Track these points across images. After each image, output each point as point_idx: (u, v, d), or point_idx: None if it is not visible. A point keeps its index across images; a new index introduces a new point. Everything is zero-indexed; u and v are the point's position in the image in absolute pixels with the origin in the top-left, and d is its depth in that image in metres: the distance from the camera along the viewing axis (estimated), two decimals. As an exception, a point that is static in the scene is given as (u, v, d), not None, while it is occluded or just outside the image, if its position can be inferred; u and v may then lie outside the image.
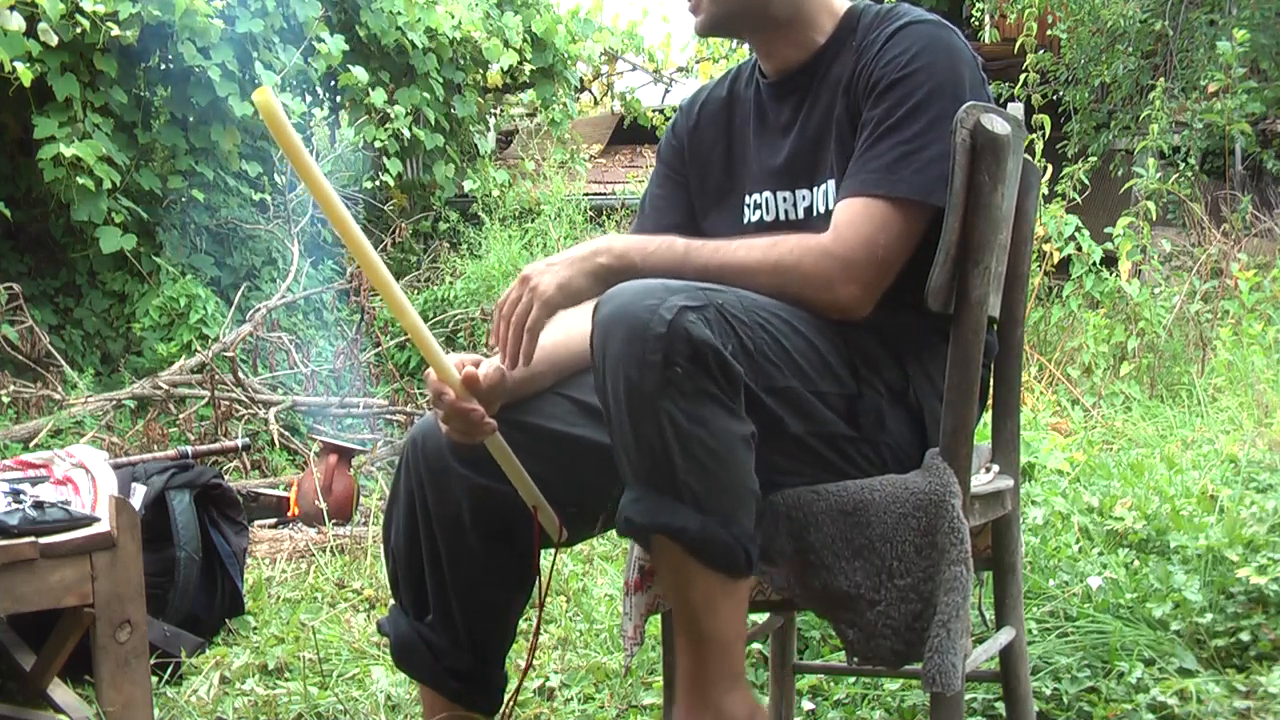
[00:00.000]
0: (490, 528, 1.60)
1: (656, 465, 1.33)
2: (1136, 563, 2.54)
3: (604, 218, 8.36)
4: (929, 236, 1.51)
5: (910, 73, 1.53)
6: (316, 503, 3.89)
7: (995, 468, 1.72)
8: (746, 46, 1.79)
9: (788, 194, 1.67)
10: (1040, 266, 5.34)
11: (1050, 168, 5.56)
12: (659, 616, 1.64)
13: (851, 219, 1.50)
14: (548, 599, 2.13)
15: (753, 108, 1.73)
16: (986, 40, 9.95)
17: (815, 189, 1.64)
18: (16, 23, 5.81)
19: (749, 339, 1.38)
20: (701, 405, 1.32)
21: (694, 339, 1.31)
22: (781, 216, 1.68)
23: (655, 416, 1.31)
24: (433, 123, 8.35)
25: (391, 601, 1.69)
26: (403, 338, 6.90)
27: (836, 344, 1.49)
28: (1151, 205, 5.64)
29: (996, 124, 1.44)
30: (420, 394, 5.69)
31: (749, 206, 1.71)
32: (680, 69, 11.68)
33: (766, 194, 1.69)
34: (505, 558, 1.62)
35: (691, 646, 1.40)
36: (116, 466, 2.77)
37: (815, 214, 1.64)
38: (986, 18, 9.81)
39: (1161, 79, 7.37)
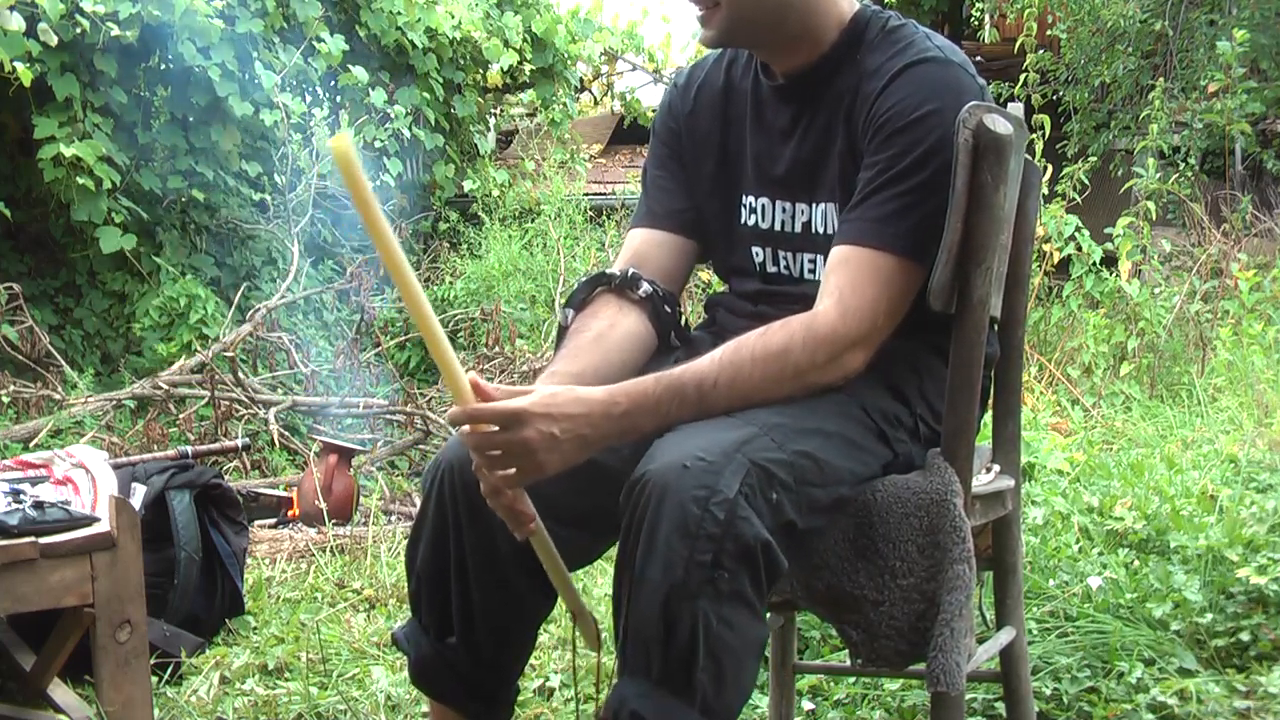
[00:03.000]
0: (526, 564, 1.53)
1: (679, 664, 1.29)
2: (1136, 563, 2.54)
3: (604, 218, 8.36)
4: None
5: (917, 119, 1.49)
6: (316, 503, 3.89)
7: (996, 468, 1.72)
8: None
9: (787, 204, 1.65)
10: (1040, 266, 5.34)
11: (1050, 168, 5.56)
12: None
13: (854, 282, 1.47)
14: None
15: (750, 103, 1.70)
16: (986, 40, 9.95)
17: (814, 206, 1.63)
18: (16, 23, 5.81)
19: (792, 479, 1.36)
20: (733, 607, 1.30)
21: (745, 540, 1.28)
22: (779, 227, 1.66)
23: (692, 617, 1.28)
24: (433, 123, 8.35)
25: (410, 617, 1.65)
26: (403, 338, 6.91)
27: (862, 420, 1.50)
28: (1151, 205, 5.64)
29: (999, 124, 1.44)
30: (420, 393, 5.69)
31: (745, 208, 1.69)
32: (680, 69, 11.68)
33: (764, 200, 1.67)
34: (536, 589, 1.58)
35: None
36: (116, 466, 2.77)
37: (814, 232, 1.63)
38: (986, 18, 9.81)
39: (1161, 79, 7.37)
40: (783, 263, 1.66)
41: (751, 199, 1.69)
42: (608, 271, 1.67)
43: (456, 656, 1.59)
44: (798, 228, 1.65)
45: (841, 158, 1.59)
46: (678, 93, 1.77)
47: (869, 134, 1.53)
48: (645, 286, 1.65)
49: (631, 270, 1.67)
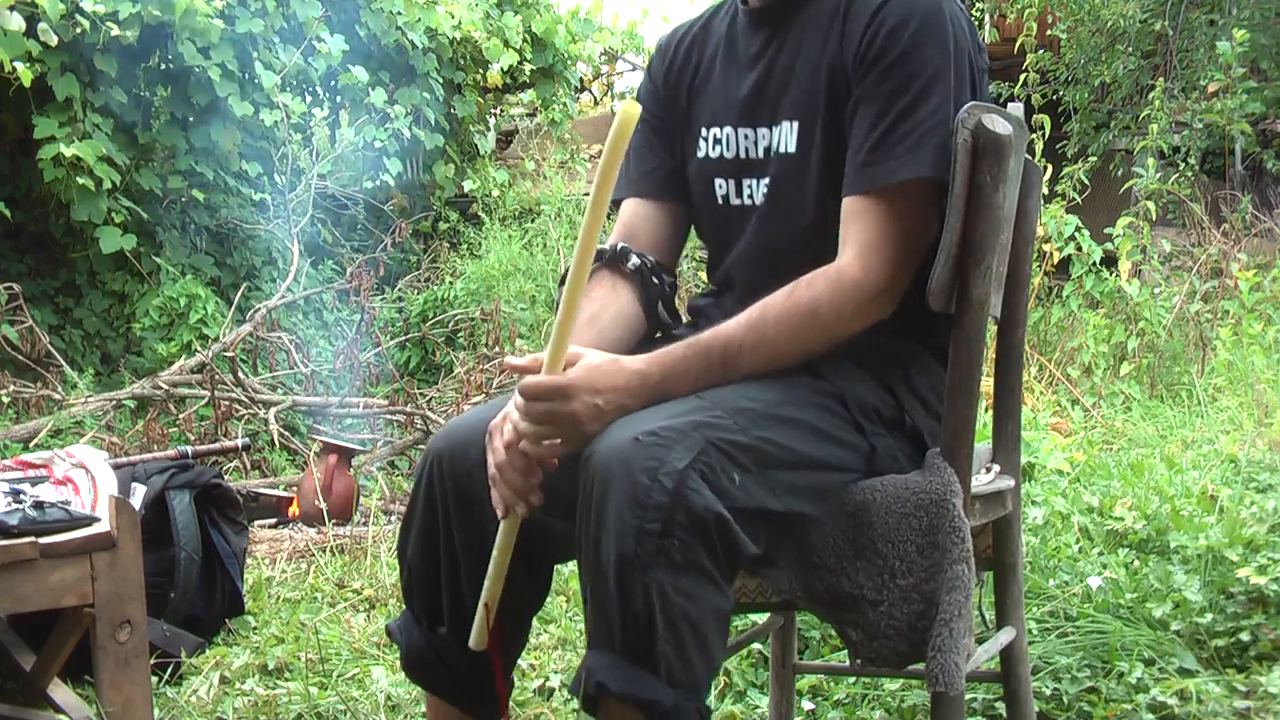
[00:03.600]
0: (518, 553, 1.52)
1: (638, 634, 1.30)
2: (1136, 563, 2.54)
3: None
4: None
5: (910, 51, 1.49)
6: (316, 503, 3.89)
7: (996, 468, 1.72)
8: None
9: (749, 131, 1.63)
10: (1040, 266, 5.34)
11: (1050, 168, 5.56)
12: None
13: (874, 230, 1.48)
14: (547, 600, 2.13)
15: (724, 39, 1.69)
16: (986, 40, 9.94)
17: (775, 128, 1.61)
18: (16, 23, 5.81)
19: (754, 462, 1.37)
20: (690, 578, 1.30)
21: (695, 510, 1.29)
22: (742, 154, 1.64)
23: (645, 587, 1.29)
24: (433, 123, 8.34)
25: (403, 608, 1.66)
26: (403, 338, 6.90)
27: (838, 411, 1.48)
28: (1151, 205, 5.64)
29: (998, 124, 1.44)
30: (420, 393, 5.70)
31: (707, 141, 1.67)
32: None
33: (727, 129, 1.65)
34: (525, 580, 1.58)
35: None
36: (116, 466, 2.77)
37: (774, 153, 1.61)
38: (986, 18, 9.80)
39: (1161, 79, 7.37)
40: (745, 193, 1.64)
41: (715, 130, 1.67)
42: (599, 247, 1.66)
43: (447, 647, 1.59)
44: (759, 152, 1.63)
45: (813, 76, 1.57)
46: (658, 55, 1.78)
47: (861, 65, 1.52)
48: (634, 260, 1.66)
49: (620, 245, 1.68)
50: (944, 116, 1.48)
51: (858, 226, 1.49)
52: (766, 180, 1.62)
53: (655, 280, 1.67)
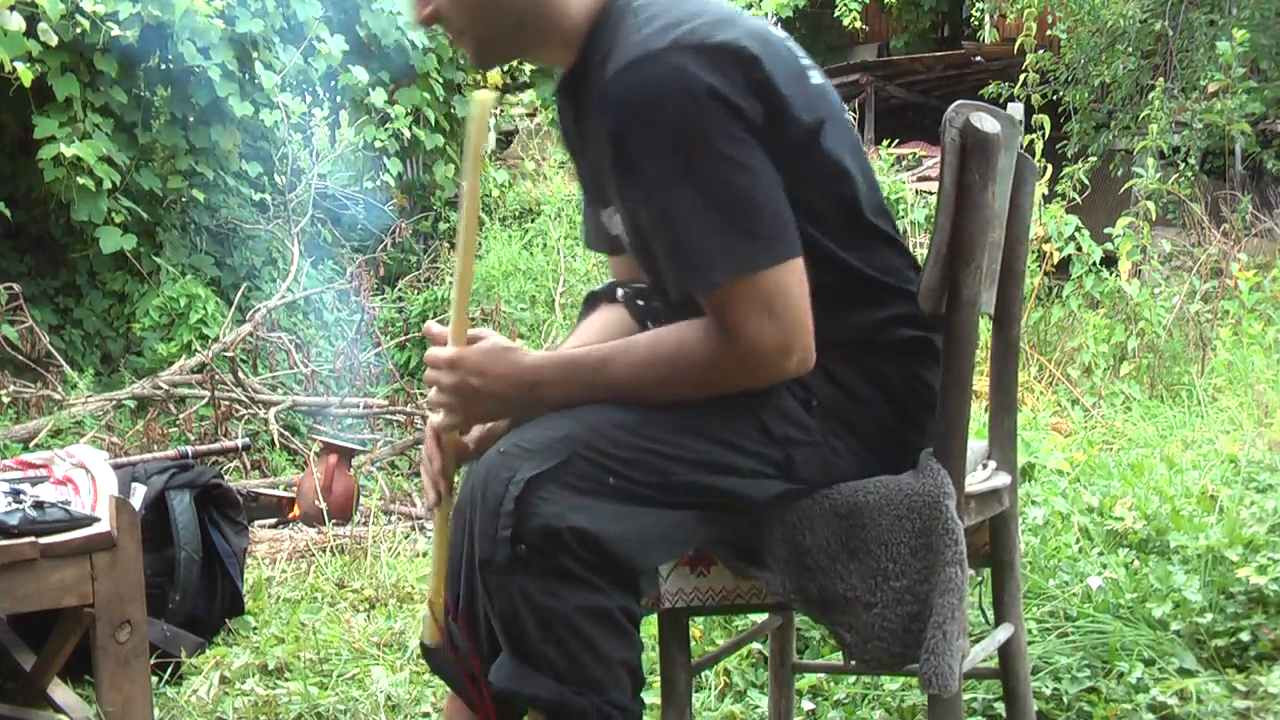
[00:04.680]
0: None
1: (512, 635, 1.36)
2: (1136, 563, 2.54)
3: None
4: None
5: (635, 164, 1.38)
6: (316, 503, 3.89)
7: (992, 464, 1.72)
8: None
9: (606, 211, 1.59)
10: (1040, 266, 5.34)
11: (1050, 168, 5.56)
12: (655, 616, 1.64)
13: (720, 319, 1.39)
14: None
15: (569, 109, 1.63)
16: (986, 40, 9.96)
17: (614, 211, 1.56)
18: (16, 23, 5.81)
19: (628, 470, 1.36)
20: (554, 581, 1.33)
21: (541, 517, 1.32)
22: (613, 230, 1.60)
23: (507, 590, 1.34)
24: (433, 123, 8.35)
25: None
26: (403, 338, 6.90)
27: (742, 419, 1.44)
28: (1151, 205, 5.64)
29: (985, 123, 1.44)
30: (419, 394, 5.69)
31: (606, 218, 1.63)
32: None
33: (595, 208, 1.64)
34: None
35: None
36: (116, 466, 2.77)
37: (617, 236, 1.58)
38: (986, 18, 9.81)
39: (1161, 79, 7.37)
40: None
41: (603, 211, 1.63)
42: (593, 291, 1.73)
43: (459, 635, 1.60)
44: (617, 230, 1.59)
45: (603, 168, 1.49)
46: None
47: (613, 169, 1.43)
48: (620, 291, 1.66)
49: (606, 284, 1.71)
50: (699, 221, 1.35)
51: (711, 314, 1.40)
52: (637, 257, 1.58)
53: (641, 301, 1.66)
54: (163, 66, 6.98)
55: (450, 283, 7.51)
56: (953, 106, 1.45)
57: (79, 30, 6.16)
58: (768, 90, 1.38)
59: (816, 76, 1.51)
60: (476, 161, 1.48)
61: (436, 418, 1.50)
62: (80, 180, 6.22)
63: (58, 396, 5.33)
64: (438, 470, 1.52)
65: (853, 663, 1.47)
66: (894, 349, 1.52)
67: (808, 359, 1.41)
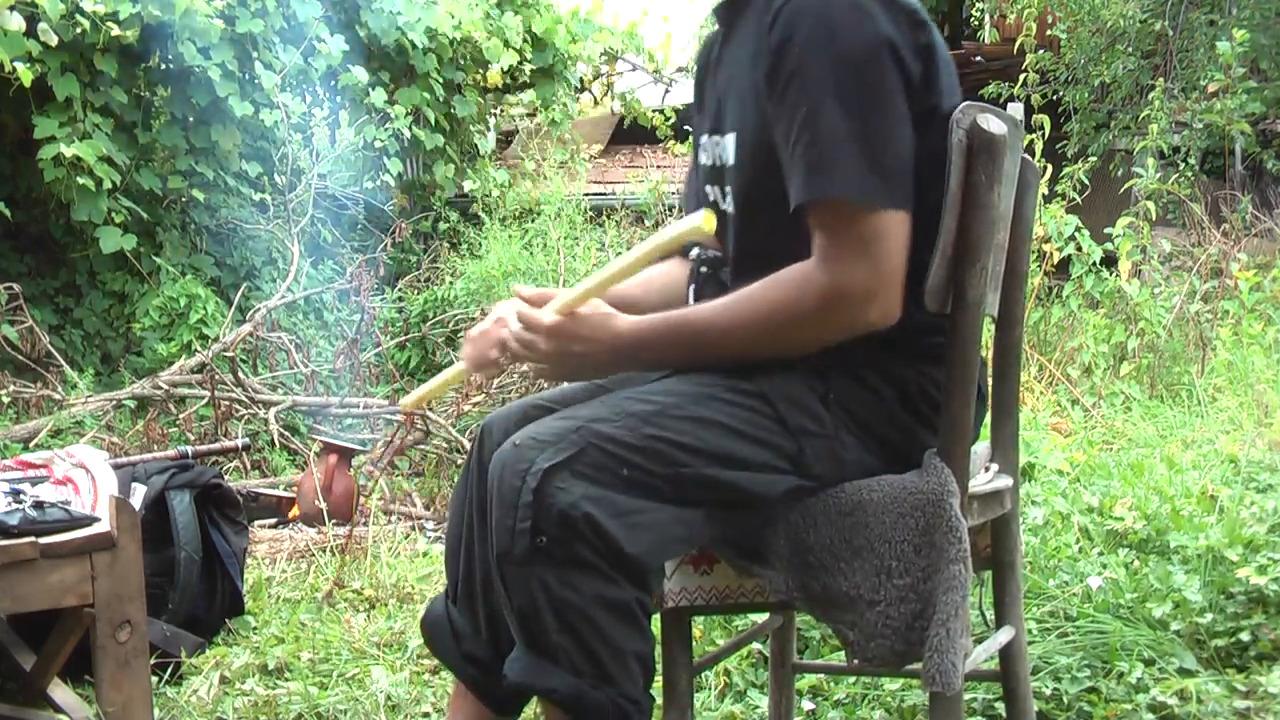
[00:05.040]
0: None
1: (530, 628, 1.37)
2: (1136, 563, 2.54)
3: (604, 218, 8.35)
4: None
5: (795, 70, 1.42)
6: (316, 503, 3.89)
7: (994, 467, 1.72)
8: None
9: (718, 138, 1.62)
10: (1040, 266, 5.34)
11: (1050, 168, 5.56)
12: (658, 616, 1.64)
13: (822, 243, 1.42)
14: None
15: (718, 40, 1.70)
16: (986, 40, 9.95)
17: (724, 138, 1.59)
18: (16, 23, 5.81)
19: (642, 460, 1.38)
20: (572, 571, 1.35)
21: (559, 507, 1.34)
22: (715, 162, 1.63)
23: (526, 582, 1.35)
24: (433, 123, 8.34)
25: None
26: (403, 338, 6.90)
27: (759, 410, 1.46)
28: (1151, 205, 5.64)
29: (992, 124, 1.44)
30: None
31: (704, 148, 1.67)
32: (680, 69, 11.68)
33: (704, 136, 1.67)
34: None
35: None
36: (116, 466, 2.77)
37: (724, 164, 1.60)
38: (986, 18, 9.81)
39: (1161, 79, 7.37)
40: (725, 200, 1.63)
41: (704, 137, 1.68)
42: None
43: (459, 617, 1.68)
44: (721, 160, 1.61)
45: (744, 89, 1.54)
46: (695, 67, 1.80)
47: (766, 85, 1.47)
48: (694, 251, 1.70)
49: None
50: (840, 125, 1.39)
51: (815, 236, 1.44)
52: (730, 189, 1.61)
53: (705, 269, 1.69)
54: (163, 66, 6.98)
55: (450, 282, 7.52)
56: (959, 107, 1.45)
57: (79, 30, 6.16)
58: (929, 58, 1.46)
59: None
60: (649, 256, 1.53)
61: (512, 353, 1.56)
62: (80, 180, 6.22)
63: (58, 396, 5.33)
64: (486, 362, 1.63)
65: (855, 661, 1.47)
66: (913, 351, 1.53)
67: (890, 313, 1.43)
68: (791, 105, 1.43)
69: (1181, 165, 6.79)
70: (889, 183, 1.40)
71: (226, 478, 3.75)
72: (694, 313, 1.51)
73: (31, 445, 4.77)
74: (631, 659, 1.38)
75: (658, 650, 1.48)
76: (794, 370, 1.49)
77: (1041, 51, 8.45)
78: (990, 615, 1.85)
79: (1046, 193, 5.75)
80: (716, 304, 1.49)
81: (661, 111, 10.86)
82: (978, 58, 10.55)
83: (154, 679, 2.39)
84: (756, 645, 2.40)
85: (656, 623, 1.66)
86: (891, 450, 1.53)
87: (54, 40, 6.00)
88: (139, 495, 2.75)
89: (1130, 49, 8.46)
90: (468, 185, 8.86)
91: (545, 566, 1.34)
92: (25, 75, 5.79)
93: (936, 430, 1.53)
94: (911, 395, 1.53)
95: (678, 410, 1.43)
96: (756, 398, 1.46)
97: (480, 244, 8.14)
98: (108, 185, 6.36)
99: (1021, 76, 7.56)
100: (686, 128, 11.01)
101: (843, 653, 2.31)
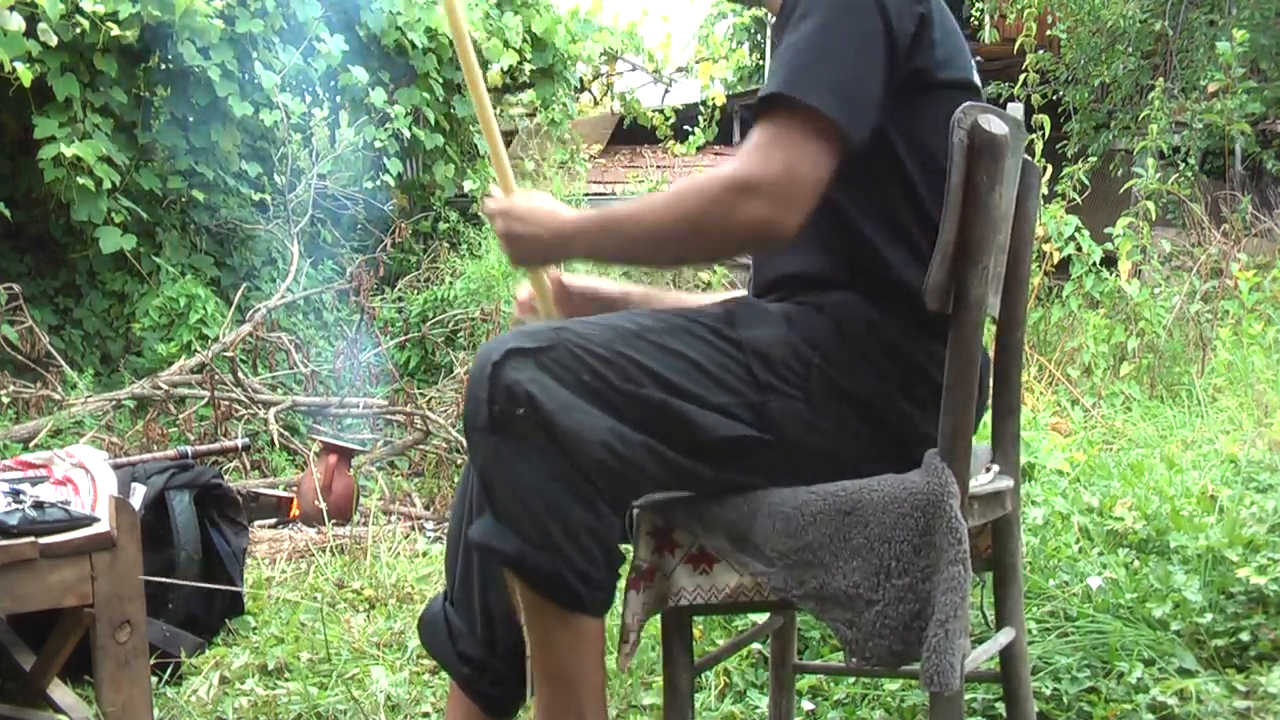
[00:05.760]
0: None
1: (489, 493, 1.46)
2: (1136, 563, 2.54)
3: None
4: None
5: (803, 12, 1.51)
6: (316, 503, 3.89)
7: (995, 468, 1.72)
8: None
9: None
10: (1040, 266, 5.34)
11: (1050, 168, 5.56)
12: (658, 616, 1.64)
13: (750, 140, 1.49)
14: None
15: None
16: (986, 40, 9.96)
17: None
18: (16, 23, 5.81)
19: (605, 370, 1.44)
20: (521, 443, 1.42)
21: (504, 382, 1.42)
22: None
23: (485, 449, 1.45)
24: (433, 123, 8.35)
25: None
26: (403, 338, 6.90)
27: (729, 353, 1.50)
28: (1151, 205, 5.64)
29: (994, 124, 1.44)
30: (420, 393, 5.69)
31: None
32: (680, 69, 11.69)
33: None
34: None
35: (541, 681, 1.52)
36: (116, 466, 2.77)
37: None
38: (986, 18, 9.81)
39: (1161, 79, 7.37)
40: None
41: None
42: None
43: (455, 617, 1.71)
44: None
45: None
46: None
47: (775, 31, 1.58)
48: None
49: None
50: (817, 43, 1.47)
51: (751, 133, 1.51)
52: None
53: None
54: (163, 66, 6.98)
55: (450, 282, 7.52)
56: (961, 108, 1.45)
57: (79, 30, 6.16)
58: (923, 26, 1.52)
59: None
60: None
61: None
62: (80, 180, 6.22)
63: (57, 396, 5.33)
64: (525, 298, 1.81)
65: (853, 660, 1.47)
66: (926, 333, 1.55)
67: (787, 222, 1.45)
68: (785, 43, 1.52)
69: (1181, 165, 6.80)
70: (837, 99, 1.45)
71: (226, 478, 3.75)
72: (625, 204, 1.59)
73: (31, 445, 4.77)
74: (584, 535, 1.44)
75: (658, 652, 1.49)
76: (783, 330, 1.52)
77: (1041, 51, 8.46)
78: (991, 616, 1.85)
79: (1046, 193, 5.75)
80: (646, 197, 1.60)
81: (661, 111, 10.87)
82: (977, 58, 10.53)
83: (154, 679, 2.39)
84: (756, 645, 2.40)
85: (656, 623, 1.66)
86: (888, 432, 1.55)
87: (54, 40, 6.00)
88: (139, 495, 2.75)
89: (1130, 49, 8.46)
90: (468, 185, 8.87)
91: (499, 436, 1.43)
92: (25, 75, 5.79)
93: (930, 412, 1.54)
94: (913, 378, 1.55)
95: (653, 336, 1.49)
96: (733, 344, 1.51)
97: (480, 244, 8.14)
98: (107, 185, 6.36)
99: (1021, 76, 7.56)
100: (686, 127, 11.02)
101: (843, 653, 2.32)
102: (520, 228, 1.64)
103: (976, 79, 1.62)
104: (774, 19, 1.71)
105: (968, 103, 1.47)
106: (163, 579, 2.69)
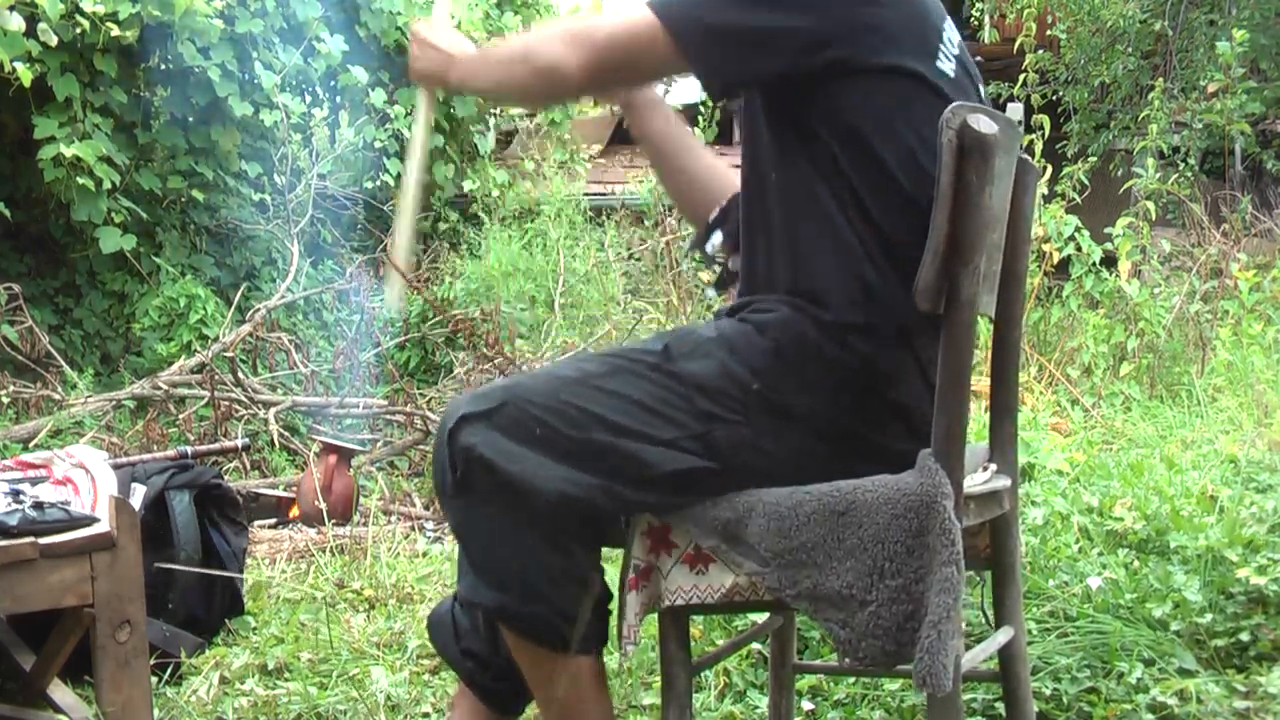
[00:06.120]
0: None
1: (463, 550, 1.59)
2: (1136, 563, 2.54)
3: (604, 218, 8.35)
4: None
5: None
6: (316, 503, 3.89)
7: (993, 467, 1.72)
8: None
9: None
10: (1040, 266, 5.34)
11: (1050, 168, 5.56)
12: (656, 615, 1.64)
13: (581, 20, 1.69)
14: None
15: None
16: (986, 40, 9.95)
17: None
18: (16, 23, 5.81)
19: (553, 420, 1.51)
20: (485, 504, 1.51)
21: (460, 446, 1.51)
22: None
23: (452, 511, 1.56)
24: (433, 123, 8.35)
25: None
26: (403, 338, 6.90)
27: (667, 387, 1.53)
28: (1151, 205, 5.64)
29: (983, 124, 1.44)
30: (420, 393, 5.69)
31: None
32: (680, 69, 11.66)
33: None
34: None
35: (541, 710, 1.62)
36: (116, 466, 2.77)
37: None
38: (986, 18, 9.81)
39: (1161, 79, 7.37)
40: None
41: None
42: None
43: (461, 614, 1.74)
44: None
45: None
46: None
47: None
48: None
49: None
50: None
51: None
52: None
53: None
54: (163, 66, 6.98)
55: (450, 282, 7.51)
56: (950, 108, 1.45)
57: (79, 30, 6.16)
58: (872, 12, 1.53)
59: (948, 58, 1.60)
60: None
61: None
62: (80, 180, 6.21)
63: (57, 397, 5.33)
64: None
65: (846, 660, 1.48)
66: (858, 344, 1.54)
67: (566, 69, 1.61)
68: None
69: (1181, 165, 6.79)
70: (682, 12, 1.56)
71: (226, 478, 3.75)
72: (492, 44, 1.79)
73: (31, 445, 4.77)
74: (560, 577, 1.53)
75: (656, 651, 1.49)
76: (720, 359, 1.55)
77: (1041, 51, 8.45)
78: (989, 614, 1.85)
79: (1046, 193, 5.75)
80: (509, 37, 1.73)
81: (661, 111, 10.83)
82: (977, 58, 10.53)
83: (154, 679, 2.39)
84: (756, 645, 2.40)
85: (656, 623, 1.66)
86: (842, 449, 1.55)
87: (54, 40, 6.00)
88: (139, 495, 2.75)
89: (1130, 49, 8.46)
90: (468, 185, 8.86)
91: (464, 499, 1.52)
92: (25, 75, 5.79)
93: (888, 426, 1.56)
94: (863, 396, 1.54)
95: (596, 380, 1.55)
96: (672, 377, 1.54)
97: (480, 244, 8.14)
98: (107, 185, 6.35)
99: (1021, 76, 7.56)
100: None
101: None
102: (416, 49, 1.87)
103: (944, 64, 1.58)
104: None
105: (955, 103, 1.47)
106: (168, 564, 2.69)
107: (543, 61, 1.63)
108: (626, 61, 1.61)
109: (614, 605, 1.60)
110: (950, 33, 1.63)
